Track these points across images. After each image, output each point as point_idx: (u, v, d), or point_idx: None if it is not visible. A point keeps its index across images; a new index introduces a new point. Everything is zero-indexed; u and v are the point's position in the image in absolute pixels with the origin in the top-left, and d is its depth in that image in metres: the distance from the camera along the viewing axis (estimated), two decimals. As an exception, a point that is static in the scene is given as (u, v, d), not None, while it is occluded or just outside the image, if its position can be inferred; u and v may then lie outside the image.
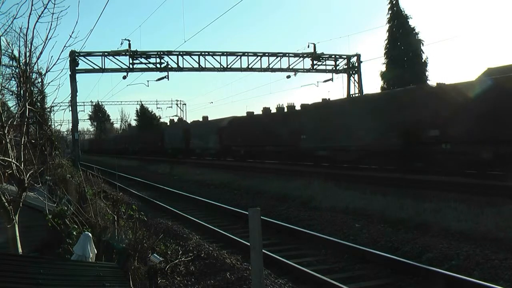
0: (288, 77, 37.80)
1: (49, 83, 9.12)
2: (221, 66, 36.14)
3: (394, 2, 39.51)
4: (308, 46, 37.30)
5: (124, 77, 34.86)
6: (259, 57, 36.93)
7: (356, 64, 38.96)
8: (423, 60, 38.81)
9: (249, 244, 5.75)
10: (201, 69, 35.95)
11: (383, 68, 40.17)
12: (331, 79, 39.04)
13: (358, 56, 38.98)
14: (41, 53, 6.32)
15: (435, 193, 13.98)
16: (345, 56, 38.87)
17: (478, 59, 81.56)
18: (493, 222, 9.92)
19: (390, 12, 39.77)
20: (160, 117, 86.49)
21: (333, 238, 10.04)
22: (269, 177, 22.64)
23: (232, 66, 36.42)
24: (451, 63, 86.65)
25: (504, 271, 7.27)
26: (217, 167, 33.03)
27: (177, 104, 78.75)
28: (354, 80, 39.06)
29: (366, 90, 40.08)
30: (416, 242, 9.26)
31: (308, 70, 38.25)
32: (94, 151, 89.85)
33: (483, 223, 9.94)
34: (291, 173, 23.32)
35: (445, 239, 9.26)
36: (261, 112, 39.06)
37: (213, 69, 36.37)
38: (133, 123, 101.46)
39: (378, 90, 40.01)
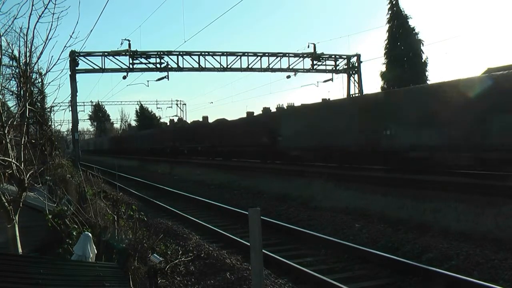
0: (288, 77, 37.87)
1: (49, 83, 9.14)
2: (221, 66, 36.17)
3: (394, 2, 39.55)
4: (308, 46, 37.39)
5: (124, 77, 34.92)
6: (259, 57, 36.96)
7: (356, 64, 38.99)
8: (423, 60, 38.85)
9: (249, 244, 5.75)
10: (201, 69, 35.98)
11: (383, 68, 40.23)
12: (331, 79, 39.11)
13: (358, 56, 39.02)
14: (41, 53, 6.32)
15: (435, 193, 13.97)
16: (345, 56, 38.90)
17: (478, 59, 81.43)
18: (493, 222, 9.92)
19: (390, 12, 39.80)
20: (160, 117, 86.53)
21: (333, 238, 10.04)
22: (269, 177, 22.63)
23: (232, 66, 36.46)
24: (451, 63, 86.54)
25: (504, 271, 7.27)
26: (217, 167, 33.01)
27: (177, 104, 78.89)
28: (354, 80, 39.08)
29: (367, 90, 40.13)
30: (416, 242, 9.26)
31: (308, 70, 38.29)
32: (116, 152, 72.74)
33: (483, 223, 9.94)
34: (291, 173, 23.31)
35: (445, 239, 9.26)
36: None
37: (213, 69, 36.40)
38: (133, 123, 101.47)
39: (378, 90, 40.02)
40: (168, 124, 79.10)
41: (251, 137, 33.20)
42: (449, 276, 7.03)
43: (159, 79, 36.29)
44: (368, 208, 12.76)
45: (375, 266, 8.18)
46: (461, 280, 6.82)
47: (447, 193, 13.75)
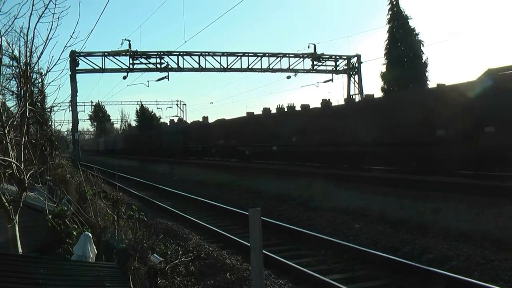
0: (289, 77, 37.85)
1: (49, 83, 9.12)
2: (221, 67, 36.16)
3: (394, 2, 39.49)
4: (309, 47, 37.39)
5: (124, 77, 34.92)
6: (259, 58, 36.96)
7: (356, 65, 38.97)
8: (423, 61, 38.78)
9: (249, 244, 5.75)
10: (201, 69, 35.96)
11: (384, 68, 40.17)
12: (331, 80, 39.09)
13: (359, 56, 39.00)
14: (41, 53, 6.31)
15: (435, 193, 13.98)
16: (345, 57, 38.89)
17: (479, 60, 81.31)
18: (493, 222, 9.93)
19: (390, 12, 39.75)
20: (160, 117, 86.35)
21: (333, 238, 10.03)
22: (269, 177, 22.63)
23: (232, 67, 36.45)
24: (451, 64, 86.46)
25: (504, 272, 7.27)
26: (217, 167, 32.99)
27: (177, 105, 78.82)
28: (354, 80, 39.06)
29: (367, 91, 40.15)
30: (416, 242, 9.26)
31: (308, 71, 38.29)
32: (133, 153, 61.49)
33: (483, 224, 9.94)
34: (291, 173, 23.30)
35: (445, 240, 9.26)
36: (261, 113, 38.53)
37: (213, 70, 36.38)
38: (133, 123, 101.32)
39: (379, 91, 39.99)
40: (168, 124, 78.51)
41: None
42: (448, 276, 7.03)
43: (159, 79, 36.30)
44: (368, 209, 12.76)
45: (375, 267, 8.18)
46: (460, 280, 6.82)
47: (447, 193, 13.75)
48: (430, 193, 14.12)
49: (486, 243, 8.80)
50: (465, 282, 6.75)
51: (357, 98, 37.81)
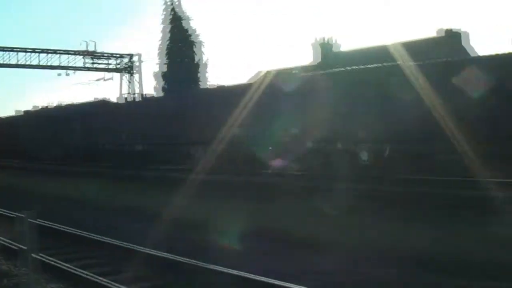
0: (59, 74, 36.42)
1: None
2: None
3: (170, 3, 39.74)
4: (81, 44, 36.43)
5: None
6: (29, 53, 34.77)
7: (137, 64, 38.88)
8: (203, 62, 39.87)
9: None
10: None
11: (165, 68, 40.19)
12: (104, 78, 38.58)
13: (139, 55, 38.96)
14: None
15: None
16: (126, 55, 38.57)
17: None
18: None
19: (171, 13, 39.68)
20: None
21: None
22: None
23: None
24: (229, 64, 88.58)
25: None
26: None
27: None
28: (135, 80, 38.91)
29: (147, 90, 40.08)
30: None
31: (78, 68, 37.29)
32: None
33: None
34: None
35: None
36: None
37: None
38: None
39: (160, 90, 39.98)
40: None
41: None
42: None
43: None
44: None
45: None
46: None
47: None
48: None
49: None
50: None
51: (137, 98, 37.54)
